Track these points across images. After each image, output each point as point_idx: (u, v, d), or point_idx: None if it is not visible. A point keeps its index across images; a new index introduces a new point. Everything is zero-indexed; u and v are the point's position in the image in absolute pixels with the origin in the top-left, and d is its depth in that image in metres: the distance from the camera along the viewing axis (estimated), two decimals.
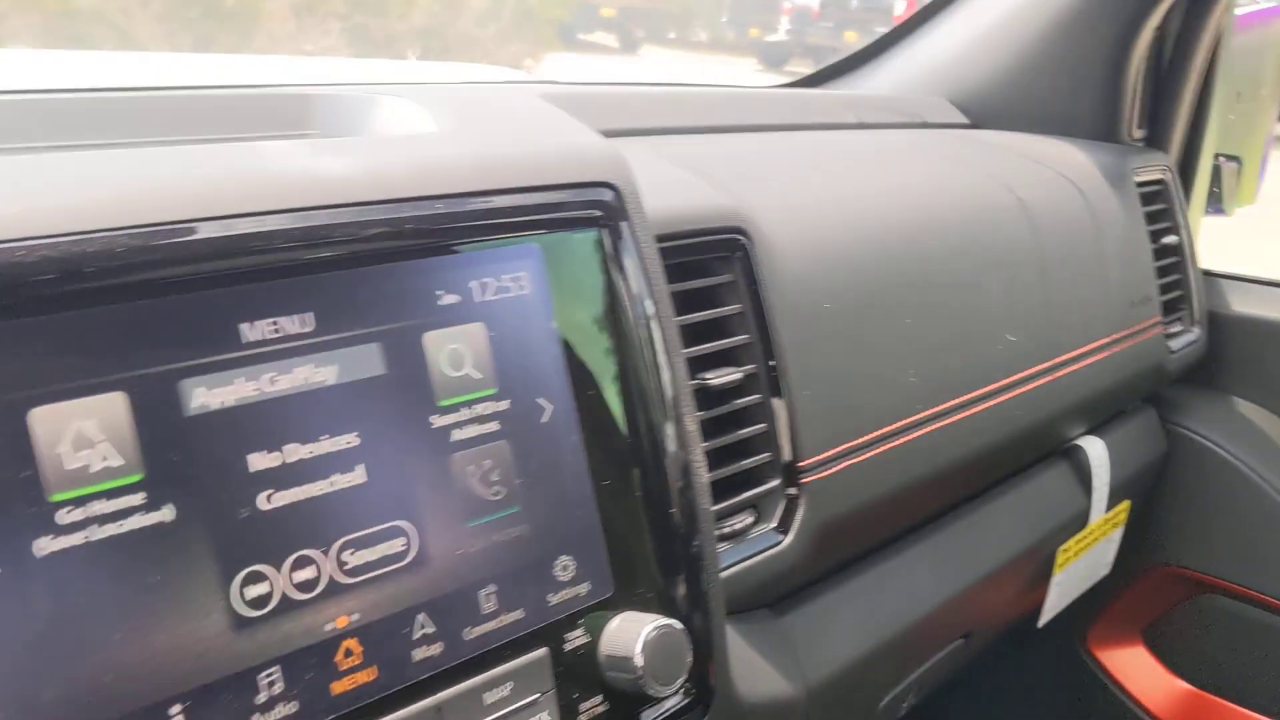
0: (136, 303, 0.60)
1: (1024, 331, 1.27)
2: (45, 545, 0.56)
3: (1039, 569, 1.40)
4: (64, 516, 0.57)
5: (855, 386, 1.06)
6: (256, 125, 0.91)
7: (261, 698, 0.63)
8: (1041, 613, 1.45)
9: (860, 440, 1.05)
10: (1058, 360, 1.32)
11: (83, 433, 0.58)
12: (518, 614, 0.74)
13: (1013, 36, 1.65)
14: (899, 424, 1.09)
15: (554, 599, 0.76)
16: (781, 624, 1.04)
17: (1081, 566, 1.48)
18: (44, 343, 0.57)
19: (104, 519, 0.58)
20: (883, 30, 1.79)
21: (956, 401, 1.16)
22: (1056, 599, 1.45)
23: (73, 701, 0.56)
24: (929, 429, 1.13)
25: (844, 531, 1.05)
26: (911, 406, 1.11)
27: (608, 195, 0.82)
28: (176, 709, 0.60)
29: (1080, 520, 1.44)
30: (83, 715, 0.56)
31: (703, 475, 0.84)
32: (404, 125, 0.88)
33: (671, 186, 0.98)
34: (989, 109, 1.66)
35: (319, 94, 0.94)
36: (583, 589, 0.77)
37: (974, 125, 1.67)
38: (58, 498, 0.57)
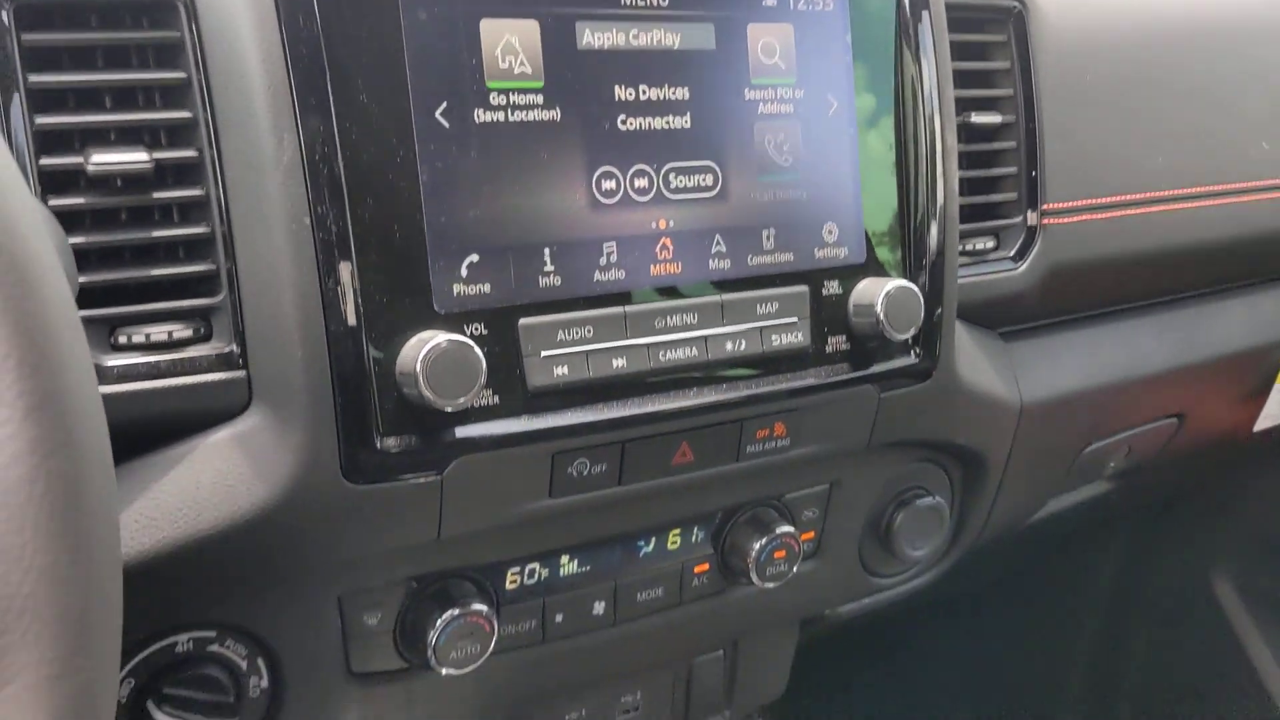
0: None
1: None
2: (480, 115, 0.82)
3: (1261, 375, 1.50)
4: (494, 99, 0.82)
5: (1104, 152, 1.21)
6: None
7: (603, 261, 0.87)
8: (1259, 419, 1.56)
9: (1101, 201, 1.21)
10: None
11: (510, 43, 0.83)
12: (789, 256, 0.96)
13: None
14: (1140, 195, 1.24)
15: (819, 253, 0.97)
16: (1008, 348, 1.22)
17: None
18: None
19: (517, 107, 0.83)
20: None
21: (1200, 190, 1.29)
22: (1275, 408, 1.55)
23: (483, 224, 0.82)
24: (1168, 208, 1.26)
25: (1075, 279, 1.21)
26: (1156, 183, 1.25)
27: None
28: (547, 251, 0.85)
29: None
30: (488, 235, 0.82)
31: (954, 182, 1.03)
32: None
33: None
34: None
35: None
36: (842, 251, 0.98)
37: None
38: (491, 85, 0.82)
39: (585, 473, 0.90)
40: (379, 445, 0.79)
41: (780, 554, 1.05)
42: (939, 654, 2.29)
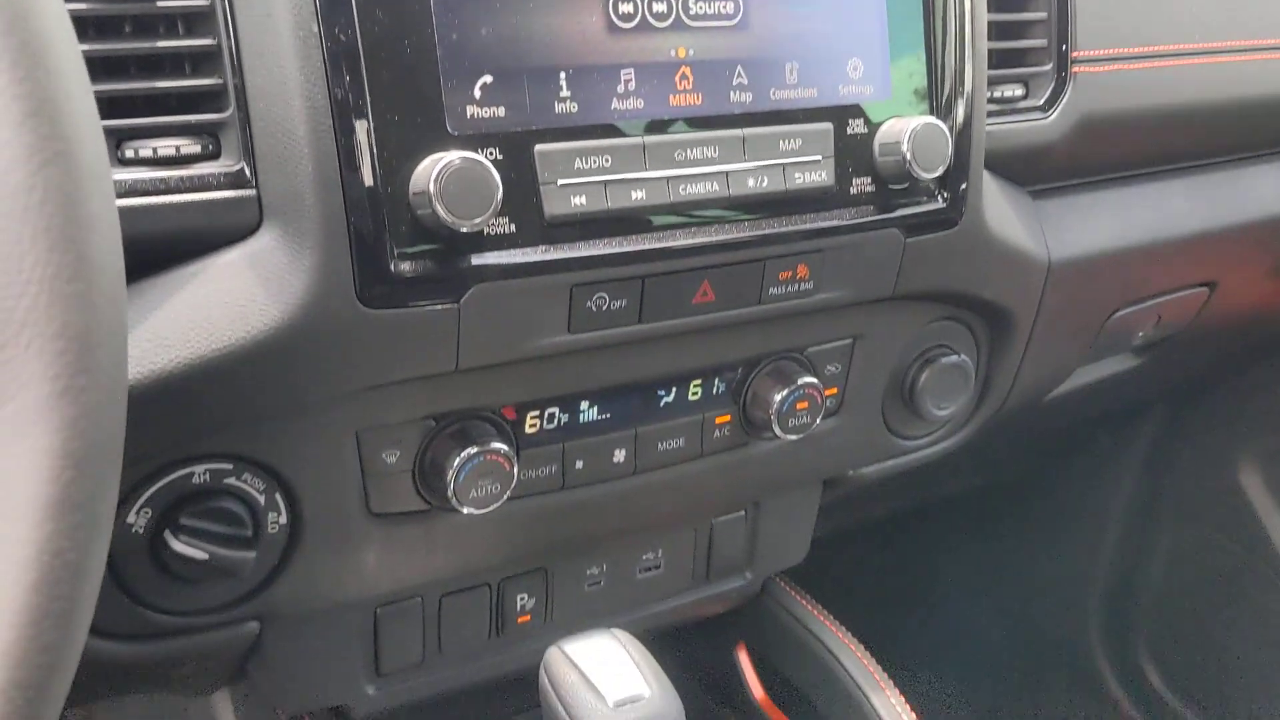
0: None
1: None
2: None
3: None
4: None
5: (1139, 1, 1.17)
6: None
7: (621, 89, 0.85)
8: None
9: (1134, 51, 1.17)
10: None
11: None
12: (812, 91, 0.93)
13: None
14: (1175, 47, 1.20)
15: (843, 90, 0.94)
16: (1037, 205, 1.19)
17: None
18: None
19: None
20: None
21: (1237, 44, 1.25)
22: None
23: (497, 43, 0.79)
24: (1204, 60, 1.22)
25: (1105, 132, 1.18)
26: (1190, 34, 1.21)
27: None
28: (563, 76, 0.82)
29: None
30: (501, 56, 0.80)
31: (982, 20, 1.00)
32: None
33: None
34: None
35: None
36: (867, 88, 0.95)
37: None
38: None
39: (605, 308, 0.88)
40: (393, 269, 0.78)
41: (803, 405, 1.04)
42: (959, 549, 2.28)
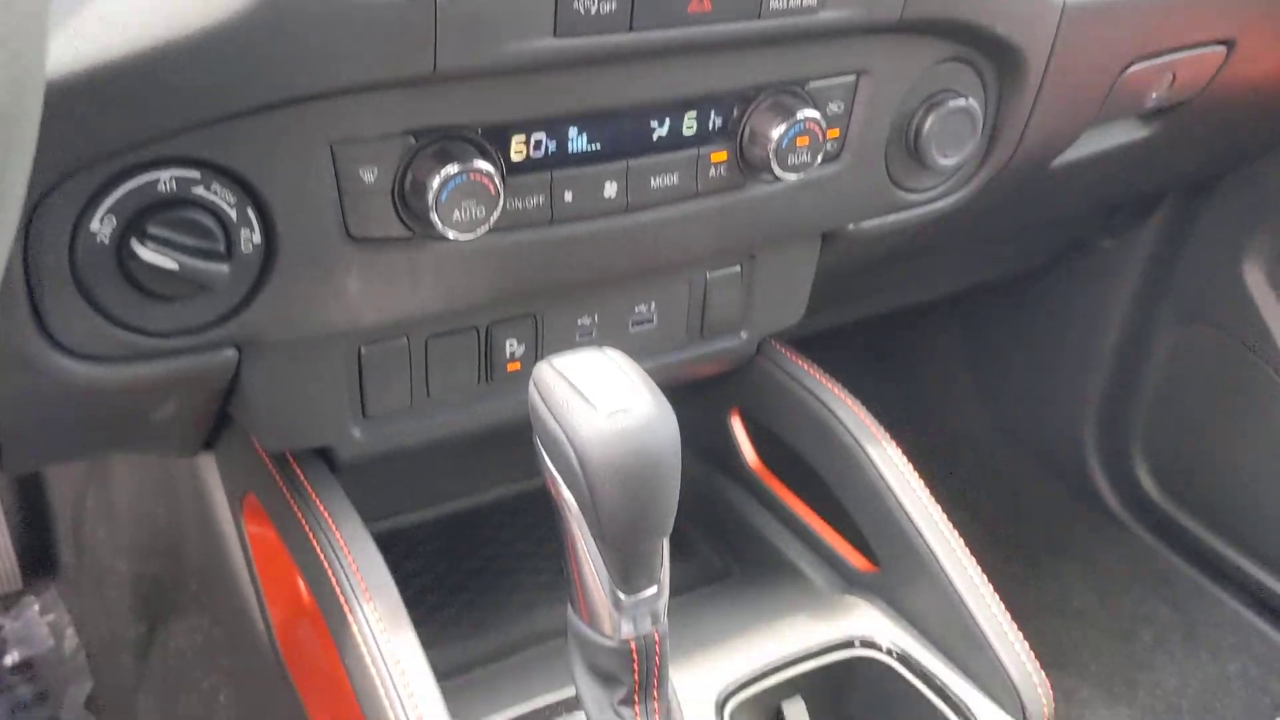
0: None
1: None
2: None
3: None
4: None
5: None
6: None
7: None
8: None
9: None
10: None
11: None
12: None
13: None
14: None
15: None
16: None
17: None
18: None
19: None
20: None
21: None
22: None
23: None
24: None
25: None
26: None
27: None
28: None
29: None
30: None
31: None
32: None
33: None
34: None
35: None
36: None
37: None
38: None
39: (593, 10, 0.83)
40: None
41: (803, 141, 0.99)
42: (955, 353, 2.26)
